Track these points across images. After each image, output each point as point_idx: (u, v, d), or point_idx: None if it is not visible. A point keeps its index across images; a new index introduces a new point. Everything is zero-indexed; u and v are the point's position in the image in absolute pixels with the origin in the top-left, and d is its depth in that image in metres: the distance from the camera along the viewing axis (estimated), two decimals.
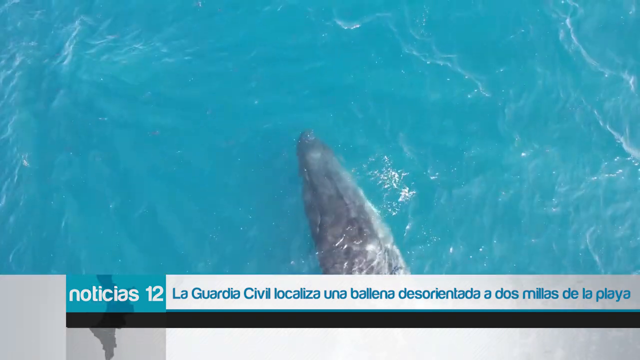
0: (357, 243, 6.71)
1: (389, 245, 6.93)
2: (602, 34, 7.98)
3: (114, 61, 8.37)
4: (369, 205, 7.11)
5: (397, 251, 7.01)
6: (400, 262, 6.97)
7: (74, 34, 8.57)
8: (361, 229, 6.75)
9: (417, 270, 7.08)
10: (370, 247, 6.71)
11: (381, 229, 6.97)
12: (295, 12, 8.43)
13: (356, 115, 7.94)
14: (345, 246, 6.72)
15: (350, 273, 6.67)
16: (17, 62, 8.48)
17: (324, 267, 6.82)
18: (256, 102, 8.01)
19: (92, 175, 7.89)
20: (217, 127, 7.95)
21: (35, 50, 8.62)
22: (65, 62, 8.48)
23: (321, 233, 6.87)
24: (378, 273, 6.70)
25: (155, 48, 8.43)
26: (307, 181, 7.20)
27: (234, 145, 7.82)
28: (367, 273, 6.68)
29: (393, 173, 7.54)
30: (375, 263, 6.70)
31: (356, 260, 6.68)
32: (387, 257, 6.80)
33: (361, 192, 7.21)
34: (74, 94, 8.33)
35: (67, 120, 8.24)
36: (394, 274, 6.80)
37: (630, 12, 8.05)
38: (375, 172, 7.56)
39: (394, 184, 7.50)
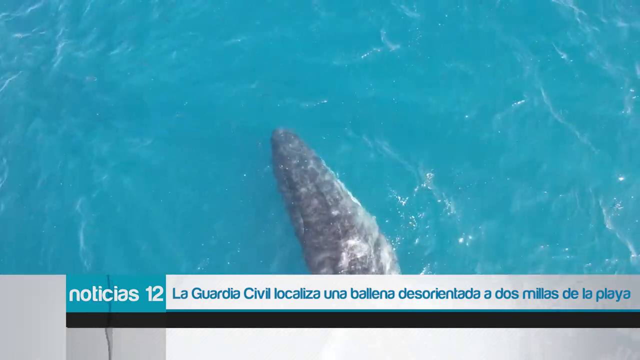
0: (340, 239, 6.65)
1: (373, 236, 6.85)
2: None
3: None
4: (349, 197, 7.01)
5: (383, 240, 6.95)
6: (387, 251, 6.92)
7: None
8: (343, 225, 6.69)
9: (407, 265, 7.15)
10: (353, 242, 6.66)
11: (364, 220, 6.88)
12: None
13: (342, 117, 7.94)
14: (329, 244, 6.67)
15: (337, 270, 6.62)
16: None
17: (310, 267, 6.79)
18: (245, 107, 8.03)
19: (92, 176, 7.89)
20: (209, 131, 7.95)
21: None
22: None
23: (303, 233, 6.83)
24: (365, 266, 6.64)
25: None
26: (283, 179, 7.08)
27: (225, 147, 7.84)
28: (353, 267, 6.62)
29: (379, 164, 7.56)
30: (360, 257, 6.65)
31: (341, 256, 6.63)
32: (372, 248, 6.75)
33: (340, 184, 7.10)
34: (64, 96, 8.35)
35: (64, 122, 8.23)
36: (381, 260, 6.76)
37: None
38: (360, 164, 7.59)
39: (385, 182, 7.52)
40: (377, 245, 6.84)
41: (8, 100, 8.43)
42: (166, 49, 8.48)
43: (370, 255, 6.71)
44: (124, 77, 8.38)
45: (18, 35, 8.87)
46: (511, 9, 8.36)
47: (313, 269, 6.78)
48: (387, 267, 6.84)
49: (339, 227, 6.68)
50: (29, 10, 9.04)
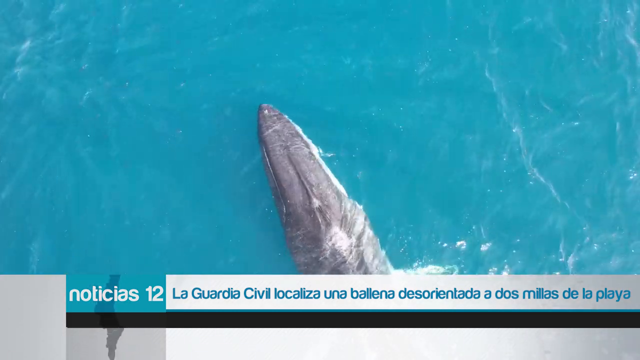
0: (322, 231, 6.54)
1: (357, 226, 6.77)
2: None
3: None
4: (333, 185, 6.86)
5: (368, 230, 6.87)
6: (372, 242, 6.87)
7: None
8: (324, 216, 6.61)
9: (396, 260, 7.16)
10: (335, 234, 6.58)
11: (348, 210, 6.77)
12: None
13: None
14: (310, 237, 6.58)
15: (317, 262, 6.57)
16: None
17: (293, 258, 6.72)
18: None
19: (91, 176, 7.89)
20: (207, 128, 7.92)
21: None
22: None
23: (285, 224, 6.75)
24: (348, 259, 6.60)
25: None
26: (268, 165, 6.89)
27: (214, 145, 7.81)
28: (334, 258, 6.58)
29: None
30: (342, 249, 6.58)
31: (323, 248, 6.57)
32: (353, 239, 6.69)
33: (325, 171, 6.94)
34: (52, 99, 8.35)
35: (62, 122, 8.23)
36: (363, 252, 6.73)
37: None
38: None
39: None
40: (360, 236, 6.76)
41: (8, 98, 8.43)
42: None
43: (352, 248, 6.65)
44: (120, 70, 8.36)
45: None
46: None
47: (295, 261, 6.72)
48: (371, 259, 6.77)
49: (319, 218, 6.57)
50: None
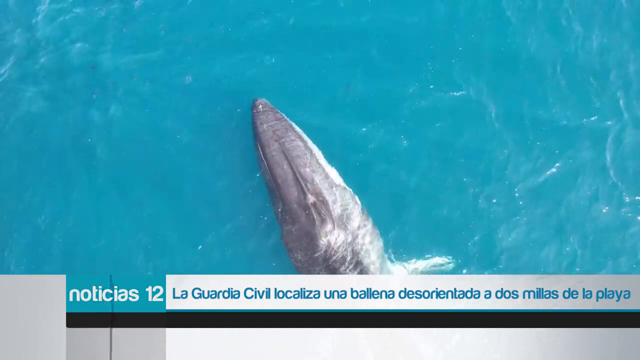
0: (317, 227, 6.51)
1: (354, 220, 6.74)
2: None
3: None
4: (330, 180, 6.83)
5: (364, 225, 6.85)
6: (368, 237, 6.85)
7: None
8: (319, 212, 6.56)
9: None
10: (329, 230, 6.56)
11: (343, 206, 6.73)
12: None
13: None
14: (304, 232, 6.56)
15: (313, 259, 6.57)
16: None
17: (288, 254, 6.72)
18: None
19: (91, 175, 7.90)
20: (208, 128, 7.94)
21: None
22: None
23: (281, 220, 6.74)
24: (343, 254, 6.60)
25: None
26: (262, 161, 6.86)
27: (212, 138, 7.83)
28: (329, 255, 6.57)
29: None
30: (337, 245, 6.57)
31: (318, 243, 6.54)
32: (349, 236, 6.67)
33: (321, 165, 6.90)
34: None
35: (61, 121, 8.23)
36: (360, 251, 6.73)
37: None
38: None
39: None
40: (356, 231, 6.73)
41: (13, 95, 8.43)
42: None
43: (347, 244, 6.64)
44: (114, 81, 8.37)
45: None
46: None
47: (290, 258, 6.71)
48: (368, 255, 6.76)
49: (315, 215, 6.53)
50: None
